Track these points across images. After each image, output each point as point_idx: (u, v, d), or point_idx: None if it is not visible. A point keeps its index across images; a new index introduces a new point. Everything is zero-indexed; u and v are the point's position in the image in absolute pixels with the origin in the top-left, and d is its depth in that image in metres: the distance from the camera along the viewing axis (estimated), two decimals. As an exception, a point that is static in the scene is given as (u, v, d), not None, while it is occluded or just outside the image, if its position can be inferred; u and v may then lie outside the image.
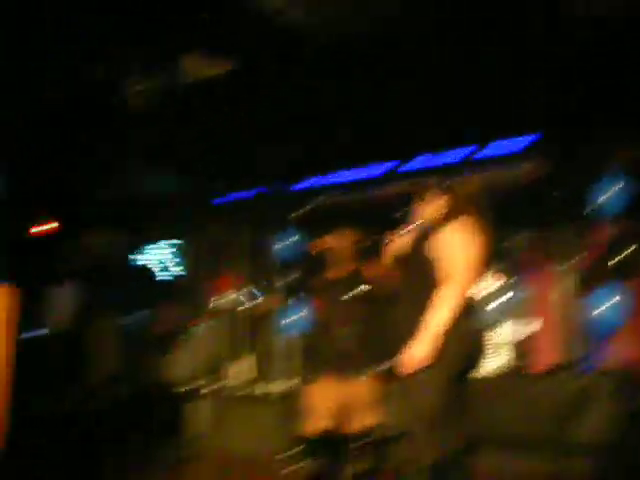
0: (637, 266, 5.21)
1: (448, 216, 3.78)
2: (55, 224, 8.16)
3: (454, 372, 3.61)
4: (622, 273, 5.18)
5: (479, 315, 3.88)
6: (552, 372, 5.36)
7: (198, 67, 4.45)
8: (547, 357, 7.28)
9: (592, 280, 6.76)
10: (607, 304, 4.88)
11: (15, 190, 5.49)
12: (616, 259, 5.17)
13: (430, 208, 3.89)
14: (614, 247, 5.23)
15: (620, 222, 5.30)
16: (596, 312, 4.92)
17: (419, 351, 3.49)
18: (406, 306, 3.76)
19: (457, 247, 3.64)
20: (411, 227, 4.01)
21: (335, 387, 4.81)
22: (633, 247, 5.16)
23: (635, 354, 6.72)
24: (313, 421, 4.94)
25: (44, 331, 7.43)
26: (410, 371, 3.52)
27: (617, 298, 4.85)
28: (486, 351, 4.19)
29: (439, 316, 3.50)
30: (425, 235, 3.79)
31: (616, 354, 5.06)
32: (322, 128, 6.10)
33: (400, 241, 4.02)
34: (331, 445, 5.03)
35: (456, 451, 3.56)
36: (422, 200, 3.94)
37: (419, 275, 3.72)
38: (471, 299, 3.75)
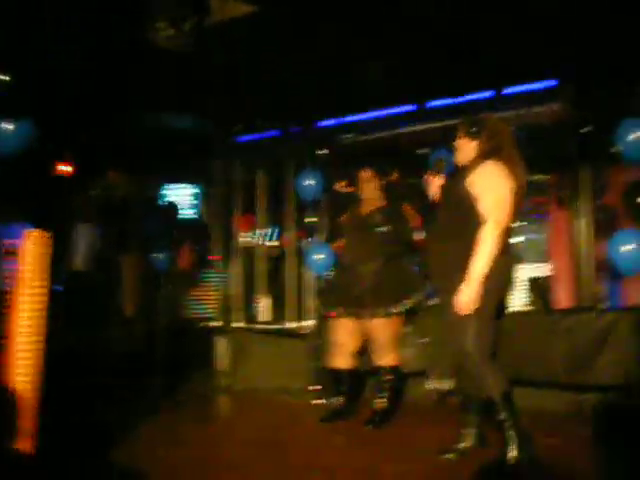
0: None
1: (486, 153, 3.74)
2: (72, 166, 8.17)
3: (494, 308, 3.69)
4: (638, 218, 5.19)
5: (513, 253, 3.87)
6: (574, 310, 5.42)
7: (224, 7, 4.42)
8: (568, 296, 7.40)
9: (612, 222, 6.83)
10: (627, 246, 4.89)
11: (39, 133, 5.51)
12: (632, 204, 5.16)
13: (467, 146, 3.85)
14: (631, 192, 5.22)
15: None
16: (616, 253, 4.94)
17: (467, 294, 3.54)
18: (444, 242, 3.76)
19: (496, 185, 3.64)
20: (448, 165, 4.02)
21: (358, 324, 4.91)
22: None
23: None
24: (337, 357, 5.08)
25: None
26: (459, 313, 3.57)
27: (633, 241, 4.86)
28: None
29: (483, 260, 3.54)
30: (464, 173, 3.77)
31: (636, 294, 5.12)
32: (347, 67, 6.04)
33: (440, 179, 4.02)
34: (354, 381, 5.18)
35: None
36: (459, 138, 3.90)
37: (458, 212, 3.72)
38: (508, 237, 3.78)
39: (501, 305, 3.81)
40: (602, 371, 4.47)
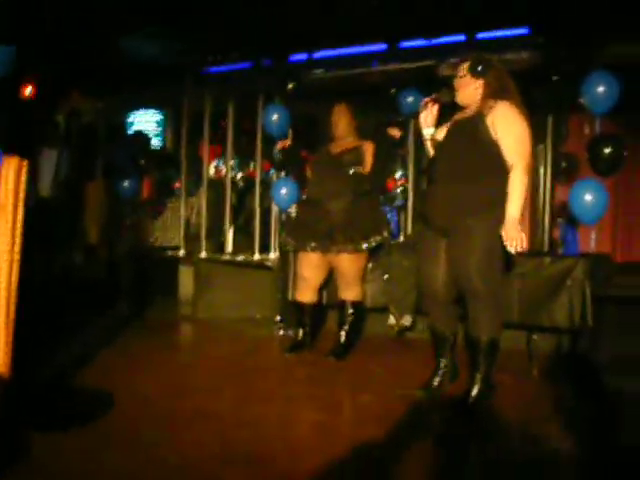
0: (615, 164, 5.34)
1: (496, 93, 3.68)
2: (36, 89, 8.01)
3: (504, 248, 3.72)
4: (601, 169, 5.34)
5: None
6: (530, 254, 5.59)
7: None
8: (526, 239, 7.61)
9: (572, 170, 7.02)
10: (585, 196, 5.05)
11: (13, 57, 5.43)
12: (596, 155, 5.30)
13: (470, 85, 3.78)
14: (595, 143, 5.35)
15: (605, 119, 5.41)
16: (576, 202, 5.10)
17: (513, 236, 3.55)
18: (458, 182, 3.71)
19: (519, 126, 3.59)
20: (445, 98, 3.91)
21: (324, 259, 5.02)
22: (614, 145, 5.28)
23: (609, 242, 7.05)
24: (301, 291, 5.19)
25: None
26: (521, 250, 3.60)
27: (594, 191, 5.02)
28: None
29: (518, 203, 3.55)
30: (475, 113, 3.71)
31: (591, 242, 5.29)
32: (321, 3, 6.01)
33: (435, 109, 3.93)
34: (317, 314, 5.33)
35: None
36: (461, 76, 3.80)
37: (476, 153, 3.67)
38: None
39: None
40: (554, 314, 4.66)
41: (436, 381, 4.04)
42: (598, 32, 5.51)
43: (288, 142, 5.21)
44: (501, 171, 3.61)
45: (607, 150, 5.23)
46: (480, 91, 3.76)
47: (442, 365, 4.05)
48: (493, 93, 3.71)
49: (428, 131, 4.00)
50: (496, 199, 3.61)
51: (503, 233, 3.58)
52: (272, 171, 7.71)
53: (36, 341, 4.58)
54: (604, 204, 4.99)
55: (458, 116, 3.89)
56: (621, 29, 5.49)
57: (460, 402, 3.77)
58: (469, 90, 3.80)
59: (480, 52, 3.99)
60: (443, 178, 3.81)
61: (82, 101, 8.58)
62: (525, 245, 3.60)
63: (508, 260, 3.80)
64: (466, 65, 3.81)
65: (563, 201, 6.47)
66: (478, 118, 3.68)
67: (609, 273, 5.12)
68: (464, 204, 3.67)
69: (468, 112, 3.81)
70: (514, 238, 3.56)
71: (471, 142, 3.69)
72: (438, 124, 3.99)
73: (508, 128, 3.59)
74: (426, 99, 3.99)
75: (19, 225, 3.65)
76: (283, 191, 6.55)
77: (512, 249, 3.58)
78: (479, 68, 3.76)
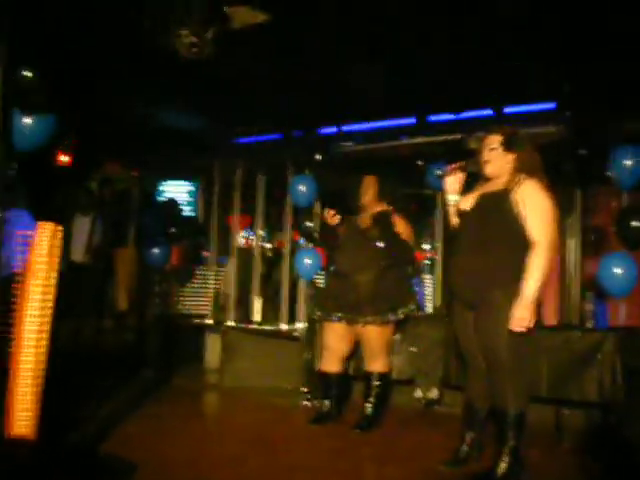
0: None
1: (528, 169, 3.71)
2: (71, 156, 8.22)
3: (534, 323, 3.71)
4: (630, 242, 5.32)
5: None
6: (561, 328, 5.55)
7: (241, 15, 4.52)
8: (555, 313, 7.54)
9: (600, 243, 6.99)
10: (616, 269, 5.03)
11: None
12: (624, 228, 5.30)
13: (501, 158, 3.80)
14: (624, 217, 5.35)
15: (632, 193, 5.42)
16: (605, 275, 5.08)
17: (523, 314, 3.56)
18: (480, 255, 3.73)
19: (546, 205, 3.62)
20: (472, 168, 3.94)
21: (350, 330, 5.02)
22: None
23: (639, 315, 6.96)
24: (327, 361, 5.18)
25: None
26: (515, 329, 3.59)
27: (624, 264, 5.00)
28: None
29: (537, 281, 3.56)
30: (504, 187, 3.72)
31: (621, 315, 5.24)
32: (351, 78, 6.15)
33: (461, 177, 3.98)
34: (343, 385, 5.29)
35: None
36: (492, 149, 3.82)
37: (500, 227, 3.69)
38: None
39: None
40: (584, 388, 4.59)
41: (462, 454, 3.99)
42: (624, 106, 5.56)
43: (333, 214, 5.19)
44: (526, 245, 3.62)
45: (635, 223, 5.23)
46: (510, 166, 3.79)
47: (469, 439, 4.01)
48: (522, 169, 3.74)
49: (453, 197, 4.02)
50: (521, 273, 3.61)
51: (513, 310, 3.57)
52: (301, 241, 7.79)
53: (64, 406, 4.59)
54: (634, 277, 4.97)
55: (485, 188, 3.90)
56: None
57: (487, 477, 3.70)
58: (500, 163, 3.81)
59: (511, 126, 4.03)
60: (469, 249, 3.82)
61: (116, 170, 8.78)
62: (530, 325, 3.59)
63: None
64: (499, 138, 3.84)
65: (592, 274, 6.43)
66: (505, 193, 3.71)
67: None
68: (490, 277, 3.69)
69: (495, 185, 3.82)
70: (523, 319, 3.57)
71: (498, 215, 3.71)
72: (462, 193, 4.02)
73: (534, 206, 3.61)
74: (453, 165, 4.02)
75: (51, 290, 3.72)
76: (307, 261, 6.62)
77: (517, 328, 3.57)
78: (513, 143, 3.79)
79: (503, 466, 3.67)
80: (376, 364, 5.02)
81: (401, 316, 4.93)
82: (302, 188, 6.85)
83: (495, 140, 3.84)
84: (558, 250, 3.83)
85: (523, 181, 3.68)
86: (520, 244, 3.63)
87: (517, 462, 3.71)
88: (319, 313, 5.19)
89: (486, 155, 3.86)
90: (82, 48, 5.77)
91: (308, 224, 7.38)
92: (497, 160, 3.82)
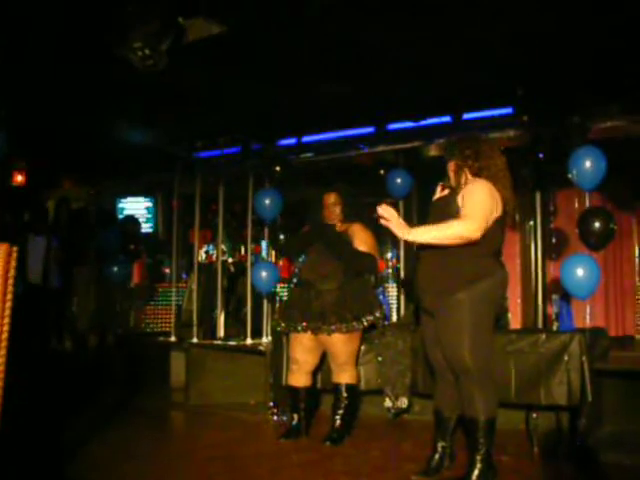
0: (605, 238, 5.37)
1: (476, 172, 3.75)
2: (26, 176, 8.09)
3: (493, 324, 3.81)
4: (592, 243, 5.35)
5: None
6: (525, 331, 5.56)
7: (195, 27, 4.47)
8: (519, 317, 7.58)
9: (562, 246, 7.05)
10: (576, 270, 5.05)
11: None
12: (587, 229, 5.33)
13: (457, 167, 3.83)
14: (586, 218, 5.39)
15: (593, 194, 5.46)
16: (567, 277, 5.09)
17: (400, 229, 3.58)
18: (434, 262, 3.76)
19: (484, 198, 3.63)
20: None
21: (316, 341, 4.94)
22: (603, 219, 5.31)
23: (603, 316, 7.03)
24: (294, 375, 5.08)
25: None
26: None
27: (586, 266, 5.02)
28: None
29: (432, 236, 3.62)
30: (454, 192, 3.77)
31: (587, 316, 5.25)
32: (308, 89, 6.13)
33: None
34: (311, 399, 5.22)
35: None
36: (449, 160, 3.88)
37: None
38: (500, 255, 3.90)
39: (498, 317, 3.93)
40: (552, 391, 4.58)
41: (434, 464, 3.96)
42: (582, 108, 5.62)
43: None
44: (476, 248, 3.63)
45: (597, 224, 5.26)
46: (454, 172, 3.85)
47: (440, 448, 3.98)
48: (469, 171, 3.79)
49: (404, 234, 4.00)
50: (476, 275, 3.66)
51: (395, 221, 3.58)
52: (263, 254, 7.73)
53: (24, 429, 4.46)
54: (596, 278, 4.99)
55: (437, 196, 3.98)
56: (604, 103, 5.62)
57: None
58: (450, 171, 3.90)
59: (466, 133, 4.09)
60: (425, 259, 3.86)
61: (73, 188, 8.65)
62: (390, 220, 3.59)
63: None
64: (452, 149, 3.92)
65: (555, 277, 6.47)
66: (450, 197, 3.79)
67: (606, 347, 5.07)
68: (443, 283, 3.71)
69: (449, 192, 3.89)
70: (397, 226, 3.58)
71: (447, 219, 3.69)
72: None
73: (470, 196, 3.65)
74: (439, 183, 4.03)
75: (7, 313, 3.60)
76: (263, 274, 6.55)
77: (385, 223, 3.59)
78: (449, 151, 3.92)
79: (476, 473, 3.66)
80: (344, 375, 4.96)
81: (366, 324, 4.88)
82: (267, 201, 6.77)
83: (450, 151, 3.93)
84: (499, 252, 3.82)
85: (469, 182, 3.73)
86: (469, 247, 3.62)
87: (489, 468, 3.70)
88: (283, 324, 5.10)
89: (447, 167, 3.93)
90: (36, 64, 5.68)
91: (271, 235, 7.34)
92: (449, 169, 3.91)
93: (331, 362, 5.02)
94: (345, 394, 4.96)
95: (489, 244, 3.69)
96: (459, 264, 3.67)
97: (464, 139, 3.93)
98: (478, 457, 3.67)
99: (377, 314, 4.95)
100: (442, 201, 3.89)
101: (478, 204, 3.61)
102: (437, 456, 3.97)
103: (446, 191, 3.96)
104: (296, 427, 5.03)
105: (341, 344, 4.88)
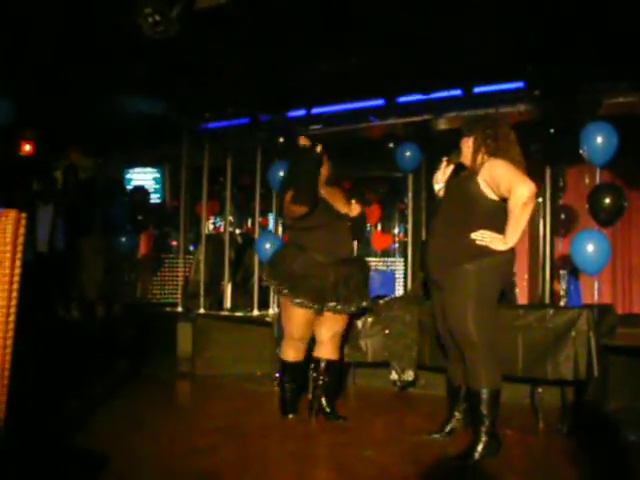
0: (616, 214, 5.34)
1: (493, 152, 3.78)
2: (34, 145, 8.05)
3: (497, 299, 3.88)
4: (602, 219, 5.32)
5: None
6: (533, 307, 5.55)
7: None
8: (527, 292, 7.56)
9: (572, 222, 7.02)
10: (586, 246, 5.02)
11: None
12: (597, 205, 5.29)
13: (466, 142, 3.91)
14: (596, 193, 5.35)
15: (603, 170, 5.42)
16: (577, 253, 5.07)
17: (494, 244, 3.67)
18: (447, 237, 3.83)
19: (512, 168, 3.67)
20: (455, 160, 4.04)
21: (317, 317, 4.74)
22: (614, 196, 5.28)
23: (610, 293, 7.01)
24: (291, 348, 4.87)
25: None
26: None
27: (596, 242, 4.99)
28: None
29: (524, 221, 3.65)
30: (472, 171, 3.82)
31: (596, 292, 5.25)
32: (318, 60, 6.09)
33: (448, 170, 4.05)
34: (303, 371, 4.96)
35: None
36: (464, 137, 3.93)
37: (465, 209, 3.80)
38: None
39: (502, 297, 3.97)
40: (559, 366, 4.58)
41: (448, 428, 4.16)
42: (593, 84, 5.57)
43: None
44: (489, 224, 3.72)
45: (607, 200, 5.22)
46: (472, 149, 3.87)
47: (455, 415, 4.16)
48: (486, 151, 3.82)
49: (437, 187, 4.12)
50: (483, 249, 3.71)
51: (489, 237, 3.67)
52: (271, 227, 7.72)
53: (32, 398, 4.49)
54: (606, 254, 4.96)
55: (457, 176, 4.03)
56: (615, 80, 5.57)
57: (466, 456, 3.72)
58: (464, 148, 3.94)
59: (483, 112, 4.16)
60: (436, 233, 3.93)
61: (80, 158, 8.62)
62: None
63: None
64: (467, 127, 3.98)
65: (564, 253, 6.46)
66: (469, 176, 3.84)
67: (613, 323, 5.06)
68: (452, 255, 3.78)
69: (466, 171, 3.95)
70: (491, 243, 3.67)
71: (462, 198, 3.83)
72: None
73: (498, 174, 3.68)
74: (443, 158, 4.09)
75: (16, 279, 3.60)
76: (267, 246, 6.53)
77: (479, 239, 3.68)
78: (466, 127, 3.96)
79: (480, 445, 3.70)
80: (335, 351, 4.83)
81: (367, 305, 4.80)
82: (282, 173, 6.70)
83: (466, 129, 3.99)
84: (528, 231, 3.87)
85: (486, 161, 3.77)
86: (482, 223, 3.72)
87: (494, 440, 3.75)
88: (287, 299, 4.90)
89: (461, 144, 3.98)
90: (41, 33, 5.65)
91: (278, 208, 7.30)
92: (463, 146, 3.95)
93: (326, 337, 4.81)
94: (332, 369, 4.80)
95: (497, 223, 3.73)
96: (466, 238, 3.73)
97: (485, 118, 4.03)
98: (482, 429, 3.71)
99: (366, 302, 4.82)
100: (461, 181, 3.92)
101: (509, 171, 3.65)
102: (453, 421, 4.16)
103: (451, 167, 4.04)
104: (292, 398, 4.87)
105: (342, 322, 4.79)
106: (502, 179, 3.66)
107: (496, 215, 3.73)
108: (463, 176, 3.93)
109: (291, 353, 4.87)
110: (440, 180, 4.08)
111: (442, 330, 4.03)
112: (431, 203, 4.24)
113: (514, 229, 3.66)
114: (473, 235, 3.70)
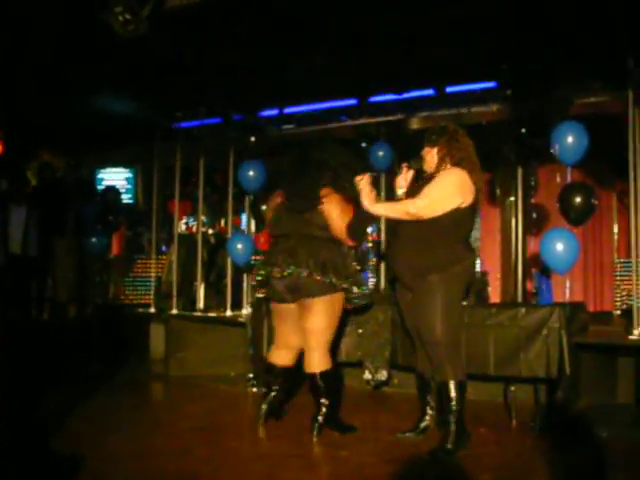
0: (586, 213, 5.39)
1: (448, 160, 3.97)
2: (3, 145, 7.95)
3: (461, 301, 4.09)
4: (572, 218, 5.37)
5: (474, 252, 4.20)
6: (505, 305, 5.60)
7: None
8: (499, 291, 7.61)
9: (542, 221, 7.07)
10: (556, 245, 5.05)
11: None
12: (568, 204, 5.34)
13: (430, 154, 4.05)
14: (567, 192, 5.40)
15: (574, 170, 5.46)
16: (547, 252, 5.10)
17: (364, 197, 3.94)
18: (410, 244, 3.98)
19: (444, 182, 3.89)
20: (415, 166, 4.16)
21: (295, 316, 4.53)
22: (584, 194, 5.33)
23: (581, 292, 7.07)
24: (273, 352, 4.72)
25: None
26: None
27: (565, 240, 5.03)
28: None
29: (382, 211, 4.11)
30: (431, 178, 3.97)
31: (567, 291, 5.29)
32: (291, 59, 6.07)
33: (409, 175, 4.15)
34: (288, 376, 4.74)
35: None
36: (425, 146, 4.08)
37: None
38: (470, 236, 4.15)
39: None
40: (531, 364, 4.61)
41: (422, 425, 4.25)
42: (565, 84, 5.62)
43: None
44: (454, 231, 3.92)
45: (578, 199, 5.27)
46: (436, 158, 4.02)
47: (428, 411, 4.24)
48: (450, 161, 3.97)
49: (400, 191, 4.20)
50: (449, 261, 3.90)
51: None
52: (243, 226, 7.68)
53: (3, 400, 4.44)
54: (575, 253, 5.00)
55: (421, 181, 4.14)
56: (587, 79, 5.63)
57: (440, 448, 3.83)
58: (428, 158, 4.08)
59: (455, 111, 4.25)
60: (403, 239, 4.05)
61: (51, 158, 8.53)
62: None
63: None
64: (426, 135, 4.12)
65: (535, 251, 6.50)
66: (427, 181, 3.98)
67: (585, 321, 5.11)
68: (420, 265, 3.93)
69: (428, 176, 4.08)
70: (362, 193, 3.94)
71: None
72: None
73: (436, 180, 3.90)
74: (403, 164, 4.19)
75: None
76: (239, 246, 6.50)
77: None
78: (433, 138, 4.06)
79: (451, 435, 3.84)
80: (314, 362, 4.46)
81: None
82: (251, 173, 6.70)
83: (427, 138, 4.12)
84: (468, 232, 4.11)
85: (444, 170, 3.95)
86: (444, 233, 3.89)
87: (463, 432, 3.91)
88: (263, 299, 4.82)
89: (422, 153, 4.12)
90: (15, 33, 5.58)
91: (251, 207, 7.29)
92: (426, 155, 4.09)
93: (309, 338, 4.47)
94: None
95: (461, 232, 3.97)
96: (433, 251, 3.90)
97: (447, 128, 4.11)
98: (452, 419, 3.87)
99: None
100: (418, 188, 4.02)
101: (437, 189, 3.87)
102: (426, 419, 4.24)
103: (411, 172, 4.15)
104: (276, 402, 4.64)
105: (321, 319, 4.41)
106: (426, 187, 3.88)
107: (462, 221, 3.94)
108: (420, 184, 4.05)
109: (273, 355, 4.71)
110: (402, 185, 4.17)
111: (411, 326, 4.18)
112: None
113: (383, 206, 4.14)
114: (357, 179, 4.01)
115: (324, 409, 4.38)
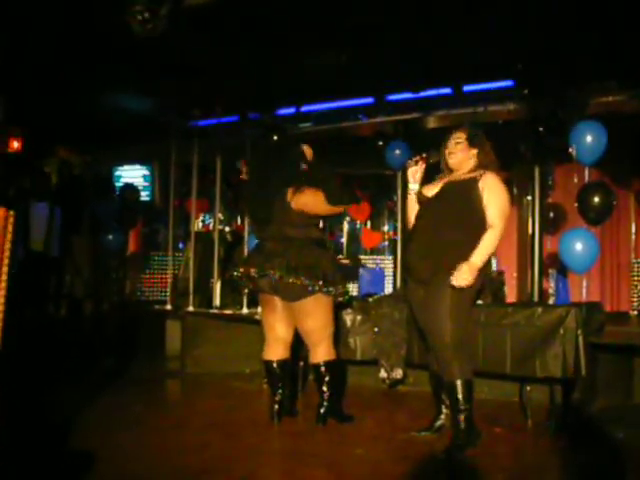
0: (605, 213, 5.37)
1: (488, 164, 4.00)
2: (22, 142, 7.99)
3: (473, 303, 4.10)
4: (591, 218, 5.35)
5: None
6: (522, 304, 5.56)
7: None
8: (516, 290, 7.58)
9: (560, 220, 7.04)
10: (575, 245, 5.04)
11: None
12: (586, 204, 5.31)
13: (464, 152, 4.05)
14: (586, 192, 5.37)
15: (593, 168, 5.44)
16: (565, 251, 5.08)
17: (466, 279, 3.79)
18: (441, 236, 3.94)
19: (504, 196, 3.92)
20: (433, 159, 4.17)
21: (284, 304, 4.50)
22: (603, 194, 5.30)
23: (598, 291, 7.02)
24: (271, 348, 4.69)
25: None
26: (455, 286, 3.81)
27: (584, 240, 5.01)
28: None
29: (483, 256, 3.85)
30: (468, 178, 3.97)
31: (584, 291, 5.27)
32: (308, 58, 6.07)
33: (423, 167, 4.16)
34: (288, 368, 4.76)
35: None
36: (457, 143, 4.07)
37: (463, 212, 3.93)
38: None
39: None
40: (547, 364, 4.59)
41: (438, 424, 4.24)
42: (582, 83, 5.59)
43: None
44: (480, 232, 3.88)
45: (596, 199, 5.25)
46: (474, 160, 4.05)
47: (444, 409, 4.21)
48: (483, 163, 4.02)
49: (414, 186, 4.21)
50: (469, 256, 3.84)
51: (456, 272, 3.79)
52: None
53: (19, 397, 4.47)
54: (595, 253, 4.98)
55: (450, 178, 4.11)
56: (604, 79, 5.60)
57: (452, 447, 3.83)
58: (464, 156, 4.07)
59: (476, 124, 4.45)
60: (426, 233, 4.03)
61: (69, 155, 8.58)
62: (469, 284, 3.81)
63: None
64: (464, 134, 4.09)
65: (552, 251, 6.48)
66: (472, 182, 3.96)
67: (601, 321, 5.08)
68: (441, 258, 3.90)
69: (459, 176, 4.06)
70: (464, 280, 3.79)
71: (463, 202, 3.96)
72: (422, 182, 4.21)
73: (495, 197, 3.90)
74: (417, 157, 4.19)
75: (4, 278, 3.59)
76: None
77: (455, 282, 3.79)
78: (477, 140, 4.07)
79: (461, 432, 3.85)
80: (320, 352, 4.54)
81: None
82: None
83: (461, 135, 4.09)
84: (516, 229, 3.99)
85: (486, 173, 3.94)
86: (476, 230, 3.88)
87: (473, 429, 3.89)
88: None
89: (451, 148, 4.09)
90: (30, 30, 5.61)
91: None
92: (461, 153, 4.07)
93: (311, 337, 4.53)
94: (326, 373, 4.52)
95: (476, 234, 3.90)
96: (460, 249, 3.87)
97: (472, 128, 4.17)
98: (461, 417, 3.86)
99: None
100: (460, 185, 4.01)
101: (501, 210, 3.90)
102: (441, 418, 4.24)
103: (423, 166, 4.15)
104: (280, 399, 4.60)
105: (321, 318, 4.44)
106: (493, 205, 3.89)
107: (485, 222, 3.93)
108: (461, 181, 4.03)
109: (268, 352, 4.70)
110: (417, 179, 4.19)
111: (421, 325, 4.16)
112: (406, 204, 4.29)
113: (484, 255, 3.88)
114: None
115: (328, 399, 4.50)
